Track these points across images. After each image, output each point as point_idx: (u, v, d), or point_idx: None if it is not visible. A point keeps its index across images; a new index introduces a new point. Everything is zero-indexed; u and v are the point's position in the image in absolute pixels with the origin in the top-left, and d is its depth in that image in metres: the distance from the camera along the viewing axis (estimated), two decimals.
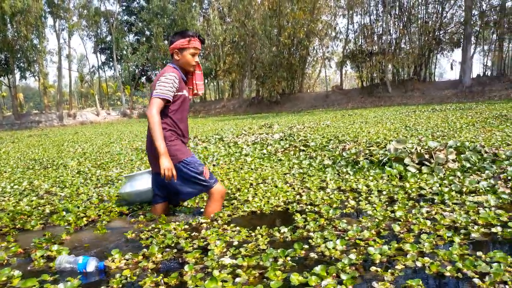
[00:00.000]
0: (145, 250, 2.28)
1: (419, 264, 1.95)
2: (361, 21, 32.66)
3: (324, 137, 7.33)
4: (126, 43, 39.40)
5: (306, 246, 2.22)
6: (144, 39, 41.08)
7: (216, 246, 2.22)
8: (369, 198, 3.21)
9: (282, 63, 33.27)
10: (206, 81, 43.50)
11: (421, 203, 2.97)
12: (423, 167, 3.81)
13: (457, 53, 39.41)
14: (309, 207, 3.08)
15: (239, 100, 39.01)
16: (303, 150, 5.67)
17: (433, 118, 10.79)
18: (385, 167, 3.99)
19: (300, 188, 3.73)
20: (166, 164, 2.60)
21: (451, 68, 32.29)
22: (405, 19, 30.45)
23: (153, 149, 2.69)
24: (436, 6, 29.80)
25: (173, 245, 2.41)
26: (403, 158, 3.99)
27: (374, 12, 31.79)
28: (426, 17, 29.89)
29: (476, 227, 2.39)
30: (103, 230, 2.81)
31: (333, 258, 2.06)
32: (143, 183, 3.28)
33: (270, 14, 32.30)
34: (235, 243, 2.35)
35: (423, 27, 28.86)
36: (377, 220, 2.63)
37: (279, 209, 3.13)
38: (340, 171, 4.27)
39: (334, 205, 3.06)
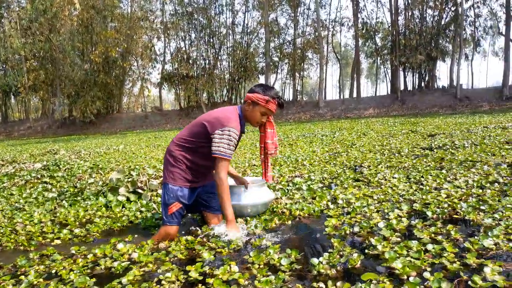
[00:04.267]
0: None
1: None
2: (177, 45, 33.77)
3: (94, 166, 7.15)
4: None
5: None
6: None
7: None
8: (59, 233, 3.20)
9: (97, 82, 31.61)
10: (6, 99, 38.07)
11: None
12: (131, 195, 4.07)
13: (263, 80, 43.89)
14: None
15: (49, 120, 35.39)
16: (46, 182, 5.41)
17: None
18: (99, 197, 4.11)
19: (7, 225, 3.52)
20: (233, 234, 2.65)
21: None
22: (217, 47, 32.78)
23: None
24: (243, 36, 33.01)
25: None
26: (119, 187, 4.18)
27: (188, 37, 33.24)
28: (235, 46, 32.77)
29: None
30: None
31: None
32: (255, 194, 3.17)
33: (81, 30, 30.50)
34: None
35: (231, 55, 31.56)
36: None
37: None
38: (59, 203, 4.22)
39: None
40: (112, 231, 3.28)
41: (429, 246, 2.28)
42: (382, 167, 5.07)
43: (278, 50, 32.06)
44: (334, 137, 10.06)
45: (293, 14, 31.47)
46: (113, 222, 3.42)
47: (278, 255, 2.31)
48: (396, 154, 6.08)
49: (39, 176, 5.85)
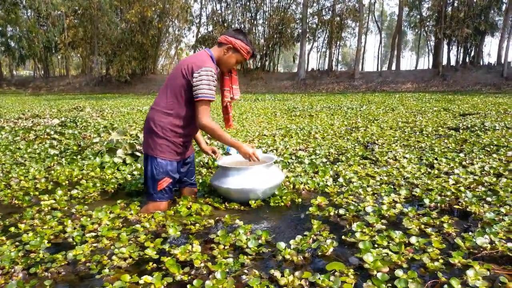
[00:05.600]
0: None
1: None
2: (213, 7, 33.22)
3: (109, 125, 7.17)
4: None
5: None
6: None
7: None
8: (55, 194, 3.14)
9: (133, 42, 31.79)
10: (48, 54, 39.19)
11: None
12: (128, 157, 3.99)
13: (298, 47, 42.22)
14: None
15: (87, 78, 36.18)
16: (55, 139, 5.45)
17: (233, 109, 11.58)
18: (97, 157, 4.07)
19: (2, 179, 3.55)
20: (249, 150, 2.62)
21: (293, 61, 35.14)
22: (253, 11, 31.98)
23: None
24: (281, 1, 31.97)
25: None
26: (117, 148, 4.11)
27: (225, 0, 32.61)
28: (271, 11, 31.84)
29: None
30: None
31: None
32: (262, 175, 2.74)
33: None
34: None
35: (267, 20, 30.74)
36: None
37: None
38: (58, 161, 4.21)
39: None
40: (106, 192, 3.21)
41: (413, 239, 2.04)
42: (396, 145, 4.73)
43: (316, 16, 30.85)
44: (360, 110, 9.62)
45: None
46: (102, 184, 3.35)
47: (247, 236, 2.14)
48: (417, 133, 5.69)
49: (52, 132, 5.90)
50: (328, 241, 2.04)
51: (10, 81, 40.38)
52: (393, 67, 30.69)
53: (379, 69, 32.48)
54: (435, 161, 3.82)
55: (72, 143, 5.05)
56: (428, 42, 33.64)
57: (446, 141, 4.89)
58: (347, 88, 26.73)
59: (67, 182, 3.47)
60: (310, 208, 2.59)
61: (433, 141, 4.90)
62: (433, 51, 30.63)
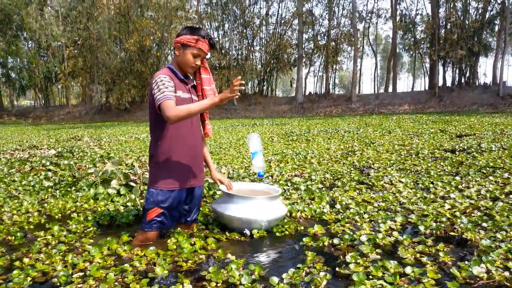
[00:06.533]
0: None
1: None
2: (211, 35, 33.78)
3: (105, 155, 7.16)
4: None
5: None
6: None
7: None
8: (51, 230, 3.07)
9: (132, 70, 32.21)
10: (48, 84, 39.62)
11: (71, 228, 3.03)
12: (122, 188, 3.96)
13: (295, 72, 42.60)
14: None
15: (87, 106, 36.48)
16: (50, 170, 5.42)
17: (228, 134, 11.60)
18: (91, 188, 4.03)
19: None
20: (223, 96, 2.28)
21: (291, 85, 35.53)
22: (250, 38, 32.54)
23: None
24: (277, 27, 32.58)
25: None
26: (112, 179, 4.09)
27: (222, 28, 33.21)
28: (268, 38, 32.41)
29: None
30: None
31: None
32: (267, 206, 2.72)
33: (118, 19, 31.10)
34: None
35: (264, 46, 31.24)
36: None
37: None
38: (52, 193, 4.18)
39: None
40: (100, 225, 3.15)
41: (408, 269, 2.00)
42: (392, 169, 4.71)
43: (312, 42, 31.40)
44: (356, 133, 9.64)
45: (328, 5, 30.64)
46: (94, 217, 3.30)
47: (239, 272, 2.08)
48: (413, 156, 5.67)
49: (47, 163, 5.88)
50: (322, 273, 1.99)
51: (10, 111, 40.68)
52: (390, 89, 30.99)
53: (376, 91, 32.72)
54: (431, 185, 3.80)
55: (67, 174, 5.02)
56: (424, 64, 34.06)
57: (442, 163, 4.87)
58: (344, 111, 26.89)
59: (60, 215, 3.43)
60: (304, 239, 2.55)
61: (429, 164, 4.88)
62: (428, 73, 30.98)
